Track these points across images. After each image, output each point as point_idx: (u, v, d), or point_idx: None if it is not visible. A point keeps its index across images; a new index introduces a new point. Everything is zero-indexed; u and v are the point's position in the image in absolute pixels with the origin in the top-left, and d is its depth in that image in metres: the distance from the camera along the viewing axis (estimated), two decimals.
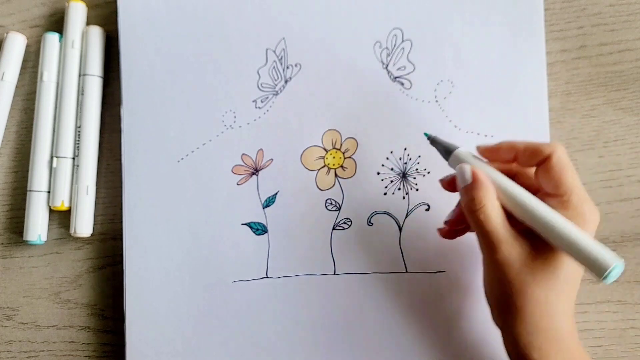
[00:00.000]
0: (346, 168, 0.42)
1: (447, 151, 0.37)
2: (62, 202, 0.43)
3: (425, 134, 0.38)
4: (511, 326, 0.33)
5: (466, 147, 0.41)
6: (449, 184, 0.37)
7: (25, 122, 0.45)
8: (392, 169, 0.42)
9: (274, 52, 0.43)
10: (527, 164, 0.35)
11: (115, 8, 0.44)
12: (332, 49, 0.43)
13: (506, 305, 0.33)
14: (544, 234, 0.32)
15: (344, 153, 0.42)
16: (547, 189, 0.34)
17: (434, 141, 0.38)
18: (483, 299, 0.36)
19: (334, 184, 0.42)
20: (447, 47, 0.42)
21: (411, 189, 0.42)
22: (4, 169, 0.45)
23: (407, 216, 0.42)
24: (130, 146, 0.43)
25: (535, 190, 0.35)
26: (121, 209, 0.43)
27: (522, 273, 0.33)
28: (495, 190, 0.34)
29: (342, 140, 0.42)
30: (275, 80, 0.43)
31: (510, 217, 0.34)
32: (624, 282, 0.41)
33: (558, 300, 0.33)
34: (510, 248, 0.33)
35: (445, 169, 0.40)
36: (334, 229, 0.42)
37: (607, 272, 0.30)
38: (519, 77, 0.41)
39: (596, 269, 0.30)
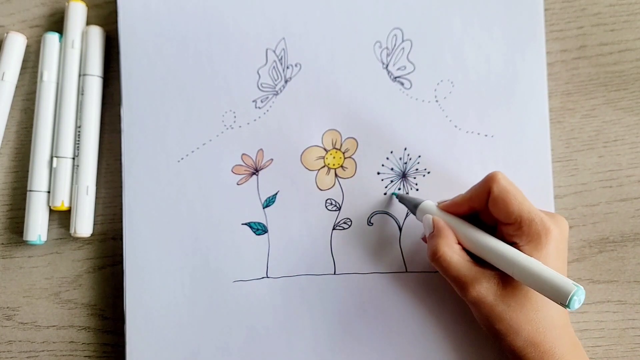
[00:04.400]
0: (346, 168, 0.42)
1: (414, 206, 0.39)
2: (62, 202, 0.43)
3: (394, 194, 0.41)
4: (505, 345, 0.35)
5: (467, 147, 0.41)
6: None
7: (25, 122, 0.45)
8: (392, 169, 0.42)
9: (274, 52, 0.43)
10: (482, 206, 0.36)
11: (115, 8, 0.44)
12: (332, 49, 0.43)
13: (493, 331, 0.35)
14: (506, 270, 0.33)
15: (344, 153, 0.42)
16: (500, 219, 0.35)
17: (402, 199, 0.40)
18: None
19: (334, 184, 0.42)
20: (447, 47, 0.42)
21: (411, 189, 0.42)
22: (4, 169, 0.45)
23: (407, 216, 0.42)
24: (130, 146, 0.43)
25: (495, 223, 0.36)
26: (121, 209, 0.43)
27: (496, 305, 0.34)
28: (456, 235, 0.36)
29: (342, 140, 0.42)
30: (275, 80, 0.43)
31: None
32: (624, 282, 0.41)
33: (538, 316, 0.34)
34: (478, 286, 0.34)
35: (444, 169, 0.40)
36: (334, 229, 0.42)
37: (568, 299, 0.30)
38: (519, 77, 0.41)
39: (557, 297, 0.30)
